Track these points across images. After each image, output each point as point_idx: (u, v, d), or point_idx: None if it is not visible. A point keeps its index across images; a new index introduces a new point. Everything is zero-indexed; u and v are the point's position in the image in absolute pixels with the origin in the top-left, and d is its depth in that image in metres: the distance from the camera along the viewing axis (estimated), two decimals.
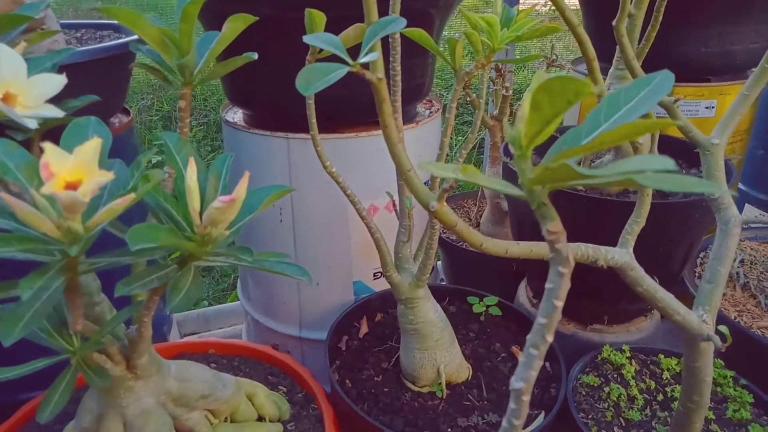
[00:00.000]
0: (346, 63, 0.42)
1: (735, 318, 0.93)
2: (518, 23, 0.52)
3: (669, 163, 0.22)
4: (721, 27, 1.06)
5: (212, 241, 0.47)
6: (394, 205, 0.75)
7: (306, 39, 0.44)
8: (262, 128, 0.85)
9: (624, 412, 0.74)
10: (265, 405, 0.73)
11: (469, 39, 0.50)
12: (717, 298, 0.62)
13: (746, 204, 1.52)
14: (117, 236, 0.49)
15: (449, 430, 0.69)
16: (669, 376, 0.81)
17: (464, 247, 1.12)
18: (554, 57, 1.10)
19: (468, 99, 1.09)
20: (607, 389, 0.78)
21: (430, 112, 0.97)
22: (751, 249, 1.14)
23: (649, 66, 0.75)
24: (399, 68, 0.61)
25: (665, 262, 0.81)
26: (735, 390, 0.77)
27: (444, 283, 1.25)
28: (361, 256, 0.90)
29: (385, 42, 0.62)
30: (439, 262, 1.28)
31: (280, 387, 0.81)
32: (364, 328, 0.88)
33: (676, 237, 0.78)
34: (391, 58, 0.61)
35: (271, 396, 0.75)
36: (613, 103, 0.34)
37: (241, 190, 0.47)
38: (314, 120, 0.63)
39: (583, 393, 0.77)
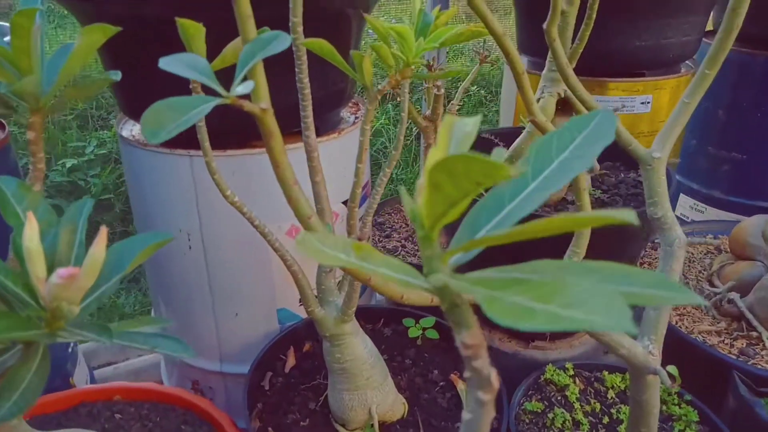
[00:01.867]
0: (217, 93, 0.34)
1: (676, 323, 0.91)
2: (436, 31, 0.44)
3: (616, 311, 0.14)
4: (654, 20, 1.02)
5: (63, 317, 0.38)
6: None
7: (162, 64, 0.35)
8: (162, 145, 0.75)
9: None
10: None
11: (377, 53, 0.42)
12: (663, 326, 0.57)
13: (681, 194, 1.53)
14: None
15: None
16: (614, 395, 0.77)
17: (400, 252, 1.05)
18: (487, 53, 1.04)
19: (398, 97, 1.02)
20: (551, 415, 0.73)
21: (356, 118, 0.88)
22: (689, 246, 1.13)
23: (582, 63, 0.69)
24: (306, 80, 0.52)
25: None
26: (680, 408, 0.73)
27: (377, 304, 1.18)
28: (285, 281, 0.82)
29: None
30: None
31: None
32: (290, 361, 0.80)
33: (617, 252, 0.74)
34: (296, 69, 0.52)
35: None
36: (544, 153, 0.26)
37: (98, 251, 0.38)
38: (207, 143, 0.54)
39: (527, 421, 0.72)
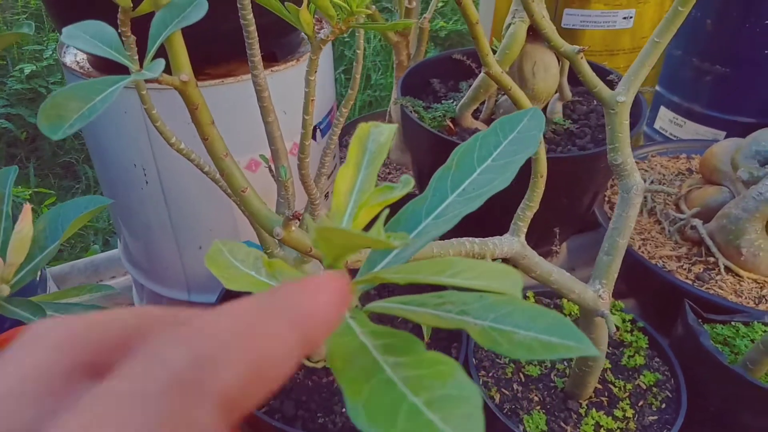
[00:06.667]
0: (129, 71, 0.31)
1: (639, 248, 0.93)
2: None
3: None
4: None
5: None
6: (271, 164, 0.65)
7: (64, 37, 0.31)
8: (107, 73, 0.70)
9: (524, 367, 0.73)
10: None
11: (315, 4, 0.38)
12: (614, 271, 0.58)
13: (661, 107, 1.50)
14: None
15: (343, 410, 0.66)
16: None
17: None
18: None
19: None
20: None
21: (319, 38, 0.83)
22: (661, 166, 1.12)
23: None
24: (250, 17, 0.48)
25: (569, 210, 0.77)
26: (632, 335, 0.77)
27: None
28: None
29: None
30: None
31: None
32: None
33: (581, 187, 0.73)
34: (239, 5, 0.48)
35: None
36: (466, 160, 0.25)
37: (24, 229, 0.36)
38: (145, 91, 0.50)
39: (485, 350, 0.75)
